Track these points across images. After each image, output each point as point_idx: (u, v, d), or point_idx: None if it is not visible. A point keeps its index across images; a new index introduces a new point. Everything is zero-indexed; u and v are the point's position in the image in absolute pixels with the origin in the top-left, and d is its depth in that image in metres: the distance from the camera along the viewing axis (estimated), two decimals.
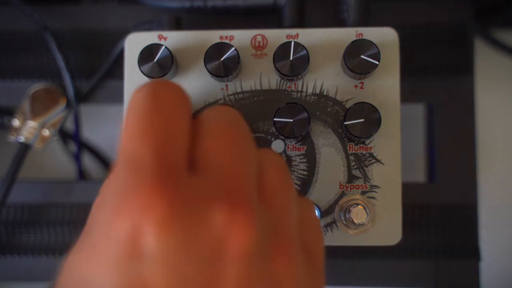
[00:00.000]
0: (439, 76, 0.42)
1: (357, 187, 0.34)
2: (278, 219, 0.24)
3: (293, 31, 0.35)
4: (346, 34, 0.35)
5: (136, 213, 0.21)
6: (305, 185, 0.35)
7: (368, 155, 0.35)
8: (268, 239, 0.23)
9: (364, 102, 0.33)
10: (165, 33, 0.36)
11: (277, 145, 0.35)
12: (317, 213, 0.34)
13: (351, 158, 0.35)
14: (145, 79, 0.35)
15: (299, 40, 0.35)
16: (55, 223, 0.42)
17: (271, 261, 0.23)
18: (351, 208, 0.33)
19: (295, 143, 0.35)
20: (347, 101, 0.35)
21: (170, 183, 0.21)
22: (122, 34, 0.40)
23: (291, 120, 0.33)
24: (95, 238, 0.22)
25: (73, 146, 0.49)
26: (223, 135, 0.25)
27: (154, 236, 0.20)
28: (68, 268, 0.22)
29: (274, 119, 0.33)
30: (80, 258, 0.22)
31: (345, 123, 0.33)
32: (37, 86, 0.43)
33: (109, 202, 0.22)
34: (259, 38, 0.35)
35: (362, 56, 0.33)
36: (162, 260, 0.20)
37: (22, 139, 0.41)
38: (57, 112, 0.42)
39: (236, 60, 0.33)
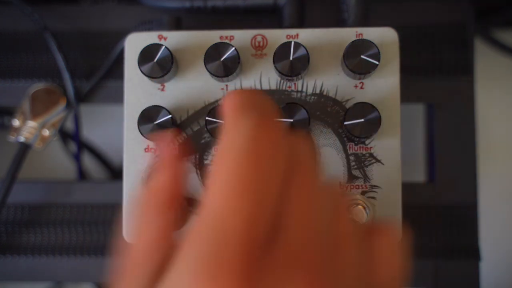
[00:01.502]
0: (439, 76, 0.42)
1: (357, 187, 0.34)
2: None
3: (293, 31, 0.35)
4: (346, 34, 0.35)
5: None
6: None
7: (368, 155, 0.35)
8: None
9: (364, 102, 0.33)
10: (165, 33, 0.36)
11: None
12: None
13: (351, 158, 0.35)
14: (145, 79, 0.35)
15: (299, 40, 0.35)
16: (55, 223, 0.42)
17: None
18: (351, 208, 0.33)
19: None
20: (347, 101, 0.35)
21: (254, 268, 0.21)
22: (122, 34, 0.40)
23: (291, 120, 0.33)
24: None
25: (73, 146, 0.49)
26: (309, 201, 0.23)
27: None
28: None
29: None
30: None
31: (345, 123, 0.33)
32: (37, 86, 0.43)
33: (189, 265, 0.21)
34: (259, 38, 0.35)
35: (362, 56, 0.33)
36: None
37: (22, 139, 0.41)
38: (57, 112, 0.42)
39: (236, 60, 0.33)
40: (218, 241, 0.21)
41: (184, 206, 0.28)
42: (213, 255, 0.21)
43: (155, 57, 0.34)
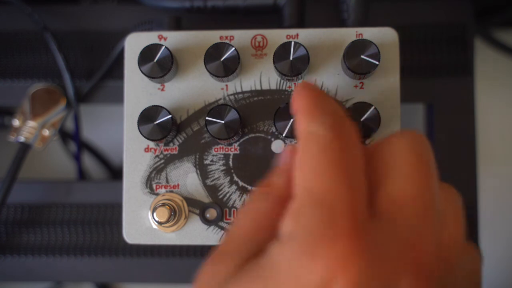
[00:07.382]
0: (439, 76, 0.42)
1: None
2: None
3: (293, 31, 0.35)
4: (346, 34, 0.35)
5: (332, 263, 0.20)
6: None
7: None
8: None
9: (364, 102, 0.33)
10: (165, 33, 0.36)
11: (277, 145, 0.35)
12: None
13: None
14: (145, 79, 0.35)
15: (299, 40, 0.35)
16: (55, 223, 0.42)
17: None
18: None
19: (295, 143, 0.35)
20: (347, 101, 0.35)
21: (364, 235, 0.21)
22: (122, 34, 0.40)
23: (291, 120, 0.33)
24: (277, 275, 0.21)
25: (73, 146, 0.49)
26: (417, 181, 0.24)
27: None
28: None
29: (274, 119, 0.33)
30: None
31: None
32: (37, 86, 0.43)
33: (298, 241, 0.21)
34: (259, 38, 0.35)
35: (362, 56, 0.33)
36: None
37: (22, 139, 0.41)
38: (57, 112, 0.42)
39: (236, 60, 0.33)
40: (326, 213, 0.22)
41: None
42: (324, 225, 0.21)
43: (155, 57, 0.34)
